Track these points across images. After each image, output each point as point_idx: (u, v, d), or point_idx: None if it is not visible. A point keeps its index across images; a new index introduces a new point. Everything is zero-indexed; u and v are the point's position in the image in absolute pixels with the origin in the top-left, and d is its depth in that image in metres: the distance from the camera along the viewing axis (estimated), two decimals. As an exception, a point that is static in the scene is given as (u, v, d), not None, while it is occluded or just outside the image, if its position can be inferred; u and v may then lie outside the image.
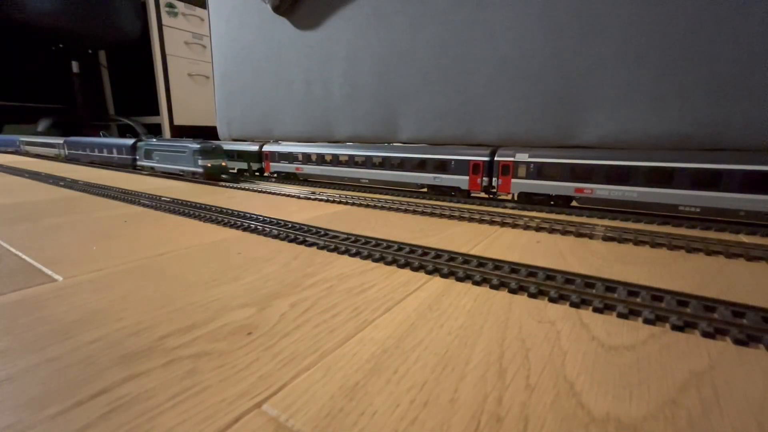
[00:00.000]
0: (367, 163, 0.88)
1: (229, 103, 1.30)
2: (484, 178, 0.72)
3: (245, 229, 0.49)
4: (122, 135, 2.67)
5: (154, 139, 1.12)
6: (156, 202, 0.65)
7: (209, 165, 0.95)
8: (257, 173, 1.12)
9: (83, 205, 0.64)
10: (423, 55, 0.84)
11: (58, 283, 0.32)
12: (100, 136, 2.25)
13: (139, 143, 1.14)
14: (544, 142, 0.73)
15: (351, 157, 0.91)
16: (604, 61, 0.65)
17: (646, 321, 0.26)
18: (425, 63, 0.84)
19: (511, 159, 0.69)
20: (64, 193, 0.77)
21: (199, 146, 0.95)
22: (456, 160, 0.75)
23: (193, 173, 0.97)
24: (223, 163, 0.98)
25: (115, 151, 1.27)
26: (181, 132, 2.31)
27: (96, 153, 1.37)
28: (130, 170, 1.19)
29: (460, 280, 0.32)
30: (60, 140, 1.61)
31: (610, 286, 0.30)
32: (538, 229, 0.50)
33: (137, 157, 1.15)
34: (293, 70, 1.08)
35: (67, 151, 1.56)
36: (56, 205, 0.64)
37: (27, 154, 1.91)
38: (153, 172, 1.12)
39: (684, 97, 0.60)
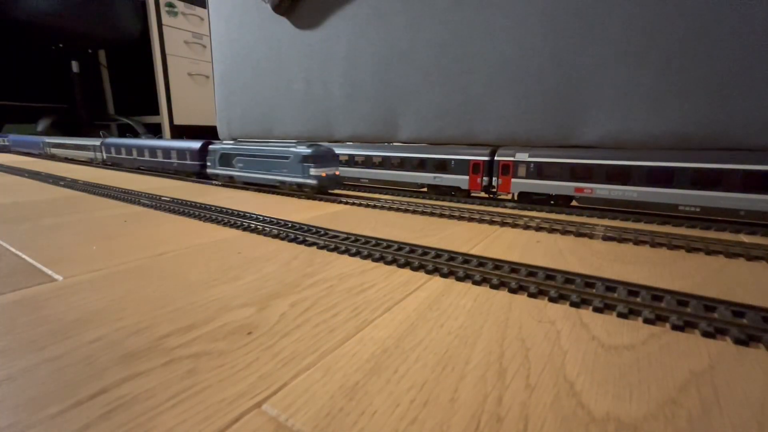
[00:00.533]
0: (367, 162, 0.88)
1: (229, 102, 1.29)
2: (484, 178, 0.72)
3: (245, 229, 0.49)
4: (122, 134, 2.67)
5: (230, 142, 0.89)
6: (156, 202, 0.65)
7: (324, 175, 0.72)
8: None
9: (83, 205, 0.64)
10: (423, 55, 0.84)
11: (58, 282, 0.32)
12: (100, 136, 2.25)
13: (212, 146, 0.90)
14: (545, 141, 0.73)
15: (351, 156, 0.91)
16: (604, 60, 0.65)
17: (646, 321, 0.26)
18: (425, 63, 0.84)
19: (511, 159, 0.69)
20: (64, 193, 0.77)
21: (310, 151, 0.72)
22: (456, 160, 0.75)
23: (300, 186, 0.74)
24: (337, 172, 0.76)
25: (174, 155, 1.03)
26: (181, 132, 2.31)
27: (146, 158, 1.14)
28: (195, 179, 0.97)
29: (460, 279, 0.32)
30: (96, 141, 1.37)
31: (610, 285, 0.30)
32: (538, 228, 0.50)
33: (208, 164, 0.91)
34: (293, 69, 1.08)
35: (105, 155, 1.33)
36: (56, 205, 0.64)
37: (53, 157, 1.66)
38: (230, 183, 0.89)
39: (684, 96, 0.60)
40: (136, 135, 2.55)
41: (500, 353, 0.22)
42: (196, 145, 0.96)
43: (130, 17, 2.41)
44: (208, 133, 1.60)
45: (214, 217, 0.54)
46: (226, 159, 0.87)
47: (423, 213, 0.60)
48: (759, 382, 0.20)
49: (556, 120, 0.71)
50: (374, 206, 0.65)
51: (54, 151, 1.65)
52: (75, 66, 2.53)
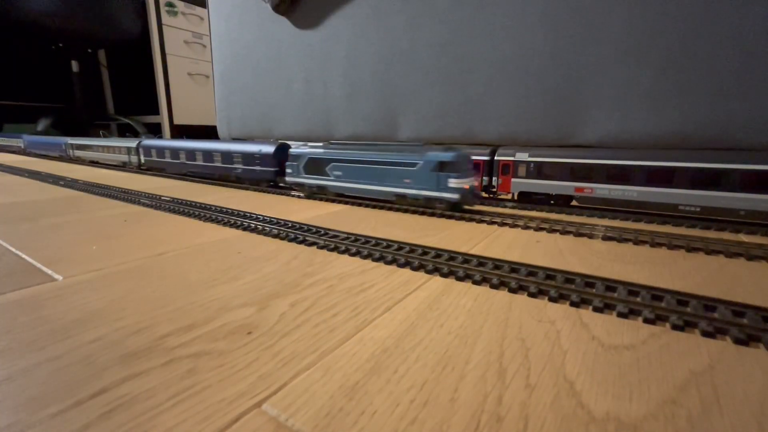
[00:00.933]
0: None
1: (229, 102, 1.29)
2: (484, 178, 0.72)
3: (245, 229, 0.49)
4: (122, 134, 2.67)
5: (319, 144, 0.74)
6: (156, 202, 0.65)
7: (467, 188, 0.58)
8: None
9: (83, 205, 0.64)
10: (423, 55, 0.84)
11: (58, 282, 0.32)
12: (100, 135, 2.24)
13: (295, 150, 0.75)
14: (545, 141, 0.73)
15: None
16: (604, 60, 0.65)
17: (646, 320, 0.26)
18: (425, 62, 0.84)
19: (511, 158, 0.69)
20: (64, 193, 0.77)
21: (450, 156, 0.57)
22: None
23: (431, 200, 0.59)
24: (476, 183, 0.61)
25: (239, 160, 0.87)
26: (180, 131, 2.31)
27: (198, 162, 0.97)
28: (267, 189, 0.82)
29: (460, 279, 0.32)
30: (132, 143, 1.21)
31: (610, 285, 0.30)
32: (537, 228, 0.50)
33: (288, 171, 0.76)
34: (293, 69, 1.08)
35: (142, 158, 1.17)
36: (56, 205, 0.64)
37: (78, 160, 1.51)
38: (319, 194, 0.73)
39: (684, 96, 0.60)
40: (136, 135, 2.55)
41: (500, 353, 0.22)
42: (269, 148, 0.82)
43: (130, 17, 2.41)
44: (207, 133, 1.60)
45: (214, 216, 0.54)
46: (315, 165, 0.72)
47: (423, 213, 0.60)
48: (759, 382, 0.20)
49: (556, 120, 0.71)
50: (374, 206, 0.65)
51: (78, 153, 1.50)
52: (75, 66, 2.53)
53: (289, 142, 0.85)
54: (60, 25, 2.22)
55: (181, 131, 2.31)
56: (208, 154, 0.95)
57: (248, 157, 0.86)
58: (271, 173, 0.82)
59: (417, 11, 0.83)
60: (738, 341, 0.23)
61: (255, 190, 0.82)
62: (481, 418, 0.17)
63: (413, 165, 0.60)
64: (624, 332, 0.24)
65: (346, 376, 0.19)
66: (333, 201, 0.69)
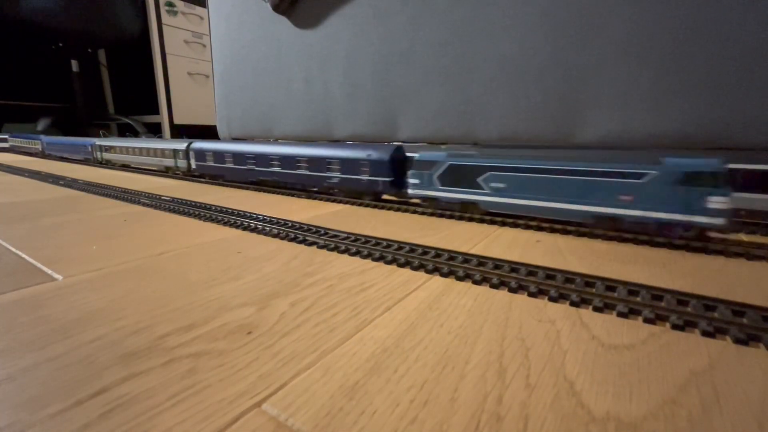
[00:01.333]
0: None
1: (229, 101, 1.29)
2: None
3: (245, 228, 0.49)
4: (122, 134, 2.68)
5: (463, 148, 0.60)
6: (156, 201, 0.65)
7: (729, 209, 0.41)
8: None
9: (83, 205, 0.64)
10: (423, 54, 0.84)
11: (58, 282, 0.32)
12: (100, 135, 2.24)
13: (422, 156, 0.60)
14: (545, 141, 0.73)
15: None
16: (605, 59, 0.65)
17: (646, 320, 0.26)
18: (425, 62, 0.84)
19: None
20: (64, 192, 0.77)
21: (708, 164, 0.41)
22: None
23: (672, 227, 0.43)
24: None
25: (336, 167, 0.71)
26: (180, 131, 2.31)
27: (275, 169, 0.80)
28: (373, 204, 0.66)
29: (460, 279, 0.32)
30: (180, 144, 1.03)
31: (610, 285, 0.30)
32: (538, 228, 0.50)
33: (413, 182, 0.61)
34: (293, 68, 1.08)
35: (194, 163, 0.99)
36: (56, 205, 0.64)
37: (107, 164, 1.34)
38: (460, 211, 0.57)
39: (684, 96, 0.60)
40: (136, 134, 2.55)
41: (500, 353, 0.22)
42: (382, 152, 0.65)
43: (130, 16, 2.41)
44: (210, 134, 1.60)
45: (214, 216, 0.54)
46: (460, 175, 0.56)
47: (423, 213, 0.60)
48: (759, 382, 0.20)
49: (556, 120, 0.71)
50: (374, 206, 0.65)
51: (108, 156, 1.32)
52: (75, 65, 2.53)
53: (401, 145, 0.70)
54: (60, 25, 2.23)
55: (180, 131, 2.32)
56: (289, 160, 0.78)
57: (351, 164, 0.69)
58: (385, 184, 0.65)
59: (417, 11, 0.83)
60: (738, 341, 0.23)
61: (255, 190, 0.82)
62: (481, 418, 0.17)
63: (639, 176, 0.44)
64: (624, 332, 0.24)
65: (346, 376, 0.19)
66: (333, 201, 0.69)
